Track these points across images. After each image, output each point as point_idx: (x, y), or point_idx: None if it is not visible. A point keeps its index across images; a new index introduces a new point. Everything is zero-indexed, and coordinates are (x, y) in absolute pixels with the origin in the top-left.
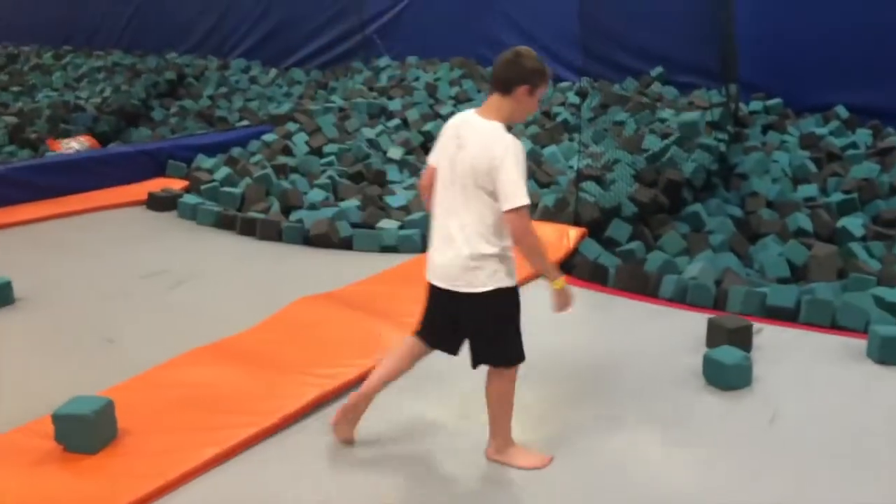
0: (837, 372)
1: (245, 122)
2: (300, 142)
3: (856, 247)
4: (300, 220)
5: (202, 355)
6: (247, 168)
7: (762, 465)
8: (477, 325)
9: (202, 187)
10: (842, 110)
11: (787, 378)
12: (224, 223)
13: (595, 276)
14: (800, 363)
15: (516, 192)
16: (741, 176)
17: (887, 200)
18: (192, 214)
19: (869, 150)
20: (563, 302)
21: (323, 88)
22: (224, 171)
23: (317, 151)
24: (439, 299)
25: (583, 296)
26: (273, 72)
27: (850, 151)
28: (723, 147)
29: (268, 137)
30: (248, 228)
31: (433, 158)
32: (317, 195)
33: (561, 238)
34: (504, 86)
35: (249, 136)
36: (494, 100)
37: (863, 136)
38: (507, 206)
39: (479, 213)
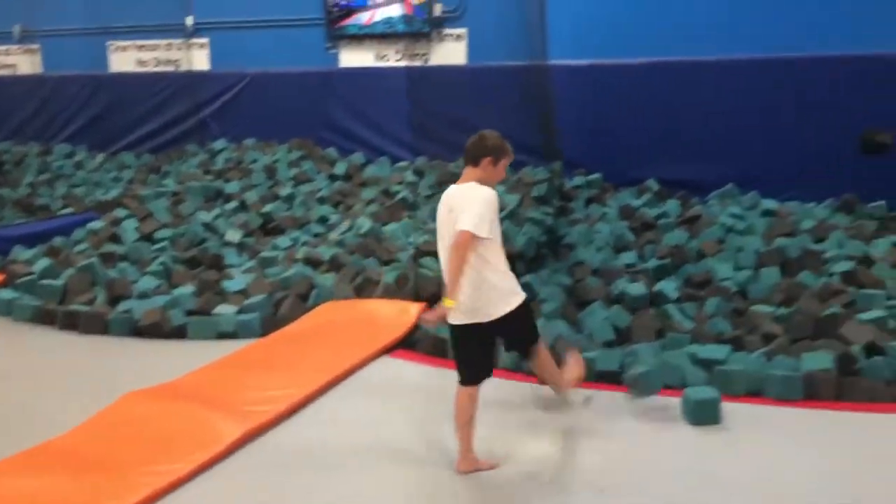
0: (656, 436)
1: (69, 210)
2: (130, 228)
3: (671, 308)
4: (128, 311)
5: (19, 462)
6: (70, 258)
7: None
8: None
9: (18, 281)
10: (653, 183)
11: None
12: (43, 318)
13: (437, 350)
14: (625, 427)
15: (470, 220)
16: (568, 246)
17: (696, 264)
18: (7, 310)
19: (678, 219)
20: (434, 317)
21: (155, 172)
22: (44, 263)
23: (148, 237)
24: None
25: (424, 372)
26: (101, 156)
27: (663, 220)
28: (550, 220)
29: (94, 225)
30: (70, 322)
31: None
32: (148, 283)
33: (403, 314)
34: (472, 159)
35: (74, 225)
36: (468, 171)
37: (672, 206)
38: (458, 227)
39: None
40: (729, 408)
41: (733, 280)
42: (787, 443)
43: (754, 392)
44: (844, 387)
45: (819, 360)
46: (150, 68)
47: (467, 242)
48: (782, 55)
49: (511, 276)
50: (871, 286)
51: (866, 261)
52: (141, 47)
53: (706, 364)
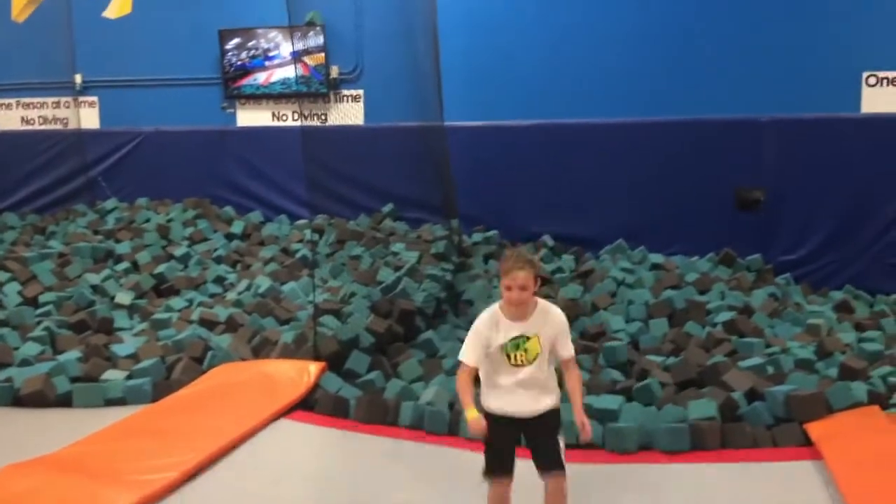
0: None
1: None
2: (11, 292)
3: None
4: (9, 379)
5: None
6: None
7: None
8: None
9: None
10: (548, 239)
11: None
12: None
13: (336, 411)
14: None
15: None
16: (468, 302)
17: (591, 317)
18: None
19: (573, 273)
20: (474, 428)
21: (41, 233)
22: None
23: (32, 301)
24: None
25: (325, 435)
26: None
27: (558, 275)
28: (449, 276)
29: None
30: None
31: None
32: (31, 349)
33: (301, 374)
34: None
35: None
36: None
37: (567, 261)
38: None
39: None
40: (623, 469)
41: (625, 331)
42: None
43: (646, 445)
44: (728, 434)
45: (704, 407)
46: (36, 126)
47: (460, 370)
48: (664, 119)
49: (501, 392)
50: (751, 334)
51: (746, 310)
52: (26, 105)
53: (601, 416)
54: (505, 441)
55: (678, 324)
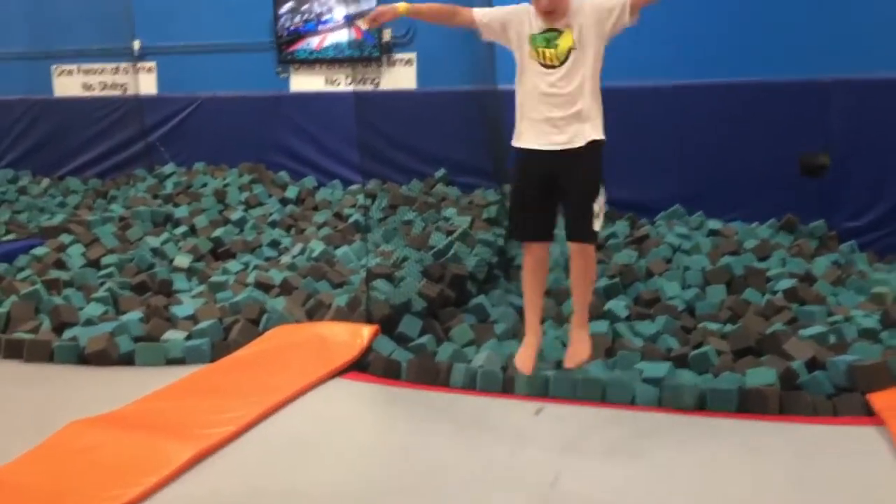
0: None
1: (11, 236)
2: (75, 254)
3: (621, 326)
4: (74, 338)
5: None
6: (12, 285)
7: None
8: None
9: None
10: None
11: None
12: None
13: (388, 372)
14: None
15: None
16: (519, 267)
17: (645, 282)
18: None
19: (627, 239)
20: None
21: (102, 198)
22: None
23: (94, 263)
24: None
25: (377, 392)
26: (45, 181)
27: (612, 241)
28: (501, 241)
29: (38, 251)
30: (14, 351)
31: None
32: (94, 310)
33: (354, 337)
34: None
35: (17, 251)
36: None
37: (621, 226)
38: None
39: None
40: (682, 419)
41: (681, 298)
42: (736, 452)
43: (702, 406)
44: (787, 401)
45: (763, 375)
46: (97, 93)
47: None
48: (723, 80)
49: (530, 114)
50: (812, 303)
51: (808, 278)
52: (87, 71)
53: (654, 381)
54: (534, 189)
55: (736, 291)
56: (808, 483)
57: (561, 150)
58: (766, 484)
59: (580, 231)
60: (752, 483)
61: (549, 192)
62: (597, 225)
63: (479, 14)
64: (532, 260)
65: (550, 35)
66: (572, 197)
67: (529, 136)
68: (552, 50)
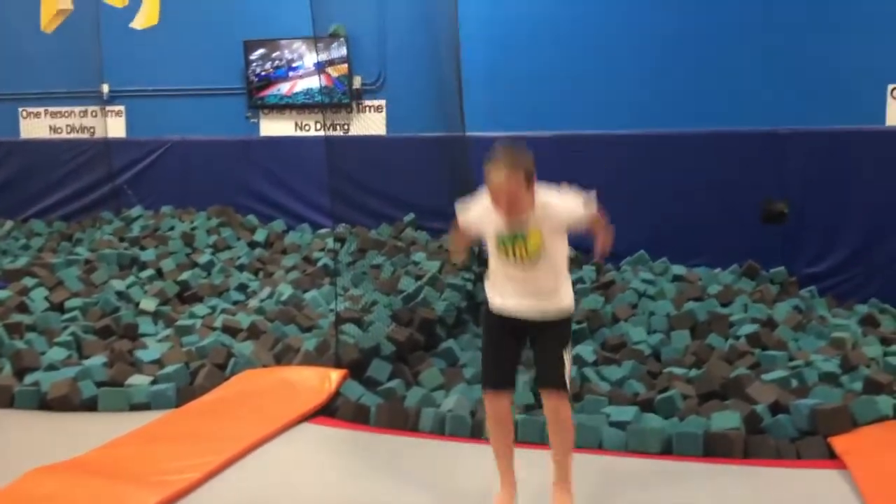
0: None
1: None
2: (38, 297)
3: (588, 371)
4: (36, 383)
5: None
6: None
7: None
8: None
9: None
10: (570, 250)
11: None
12: None
13: (357, 417)
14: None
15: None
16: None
17: (611, 328)
18: None
19: (594, 284)
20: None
21: (67, 240)
22: None
23: (58, 307)
24: None
25: (345, 438)
26: (9, 224)
27: (579, 286)
28: (470, 286)
29: (0, 294)
30: None
31: None
32: (57, 354)
33: (323, 382)
34: None
35: None
36: None
37: (588, 272)
38: None
39: None
40: (645, 464)
41: (646, 343)
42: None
43: (667, 451)
44: (752, 445)
45: (727, 419)
46: (64, 135)
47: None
48: (686, 130)
49: (503, 285)
50: (774, 347)
51: (769, 323)
52: (54, 114)
53: (620, 425)
54: (505, 345)
55: (700, 336)
56: None
57: (532, 321)
58: None
59: (552, 379)
60: None
61: (517, 345)
62: (567, 376)
63: (462, 221)
64: (495, 413)
65: (517, 235)
66: (542, 351)
67: (500, 304)
68: (521, 249)
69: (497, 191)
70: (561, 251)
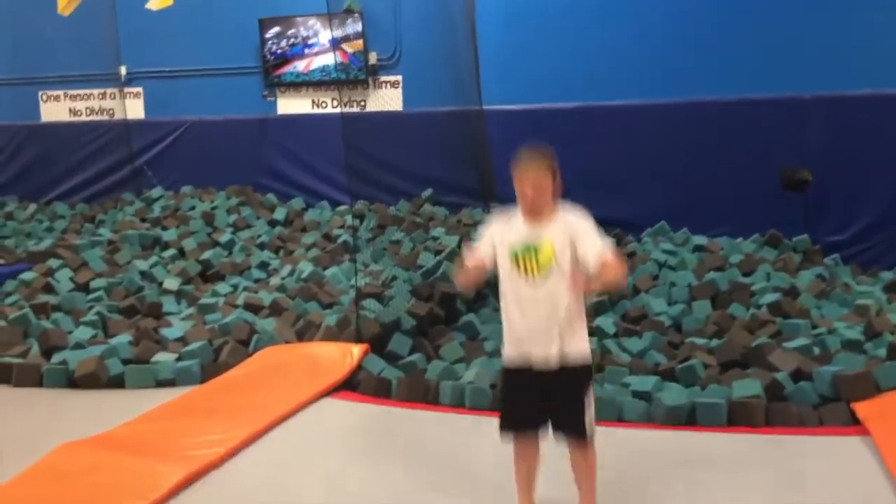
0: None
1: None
2: (64, 278)
3: (609, 343)
4: (64, 361)
5: None
6: (1, 310)
7: None
8: None
9: None
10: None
11: None
12: None
13: (379, 391)
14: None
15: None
16: None
17: (632, 299)
18: None
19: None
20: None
21: (90, 222)
22: None
23: (83, 287)
24: None
25: (367, 411)
26: (32, 207)
27: None
28: None
29: (26, 276)
30: (3, 375)
31: None
32: (83, 333)
33: (345, 356)
34: None
35: (4, 276)
36: None
37: (609, 242)
38: None
39: None
40: (667, 434)
41: (667, 314)
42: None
43: (690, 421)
44: (773, 412)
45: (749, 387)
46: (84, 118)
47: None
48: (707, 98)
49: (515, 329)
50: (797, 316)
51: (792, 292)
52: (73, 97)
53: (642, 396)
54: (522, 395)
55: (722, 306)
56: (797, 495)
57: (549, 371)
58: (755, 497)
59: (576, 430)
60: (741, 496)
61: (539, 394)
62: (590, 422)
63: (480, 251)
64: (522, 450)
65: (530, 244)
66: (564, 399)
67: (516, 354)
68: (532, 261)
69: (524, 177)
70: (573, 275)
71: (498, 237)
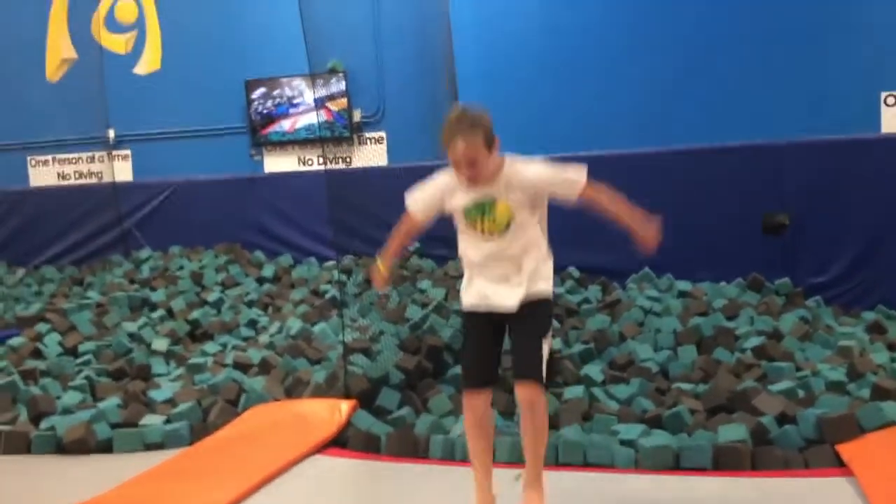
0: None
1: None
2: (52, 343)
3: (597, 391)
4: (52, 427)
5: None
6: None
7: None
8: None
9: None
10: (574, 271)
11: None
12: None
13: (368, 447)
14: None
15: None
16: None
17: (618, 346)
18: None
19: (599, 304)
20: (373, 277)
21: (79, 285)
22: None
23: (71, 351)
24: None
25: (357, 467)
26: (21, 271)
27: (585, 306)
28: None
29: (14, 342)
30: None
31: None
32: (72, 398)
33: (333, 413)
34: None
35: None
36: None
37: (593, 291)
38: None
39: None
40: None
41: (654, 360)
42: None
43: (675, 465)
44: (759, 456)
45: (734, 431)
46: (72, 181)
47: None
48: (685, 147)
49: (475, 276)
50: (781, 359)
51: (776, 335)
52: (62, 161)
53: (630, 444)
54: (483, 342)
55: (707, 351)
56: None
57: (507, 312)
58: None
59: (527, 370)
60: None
61: (497, 342)
62: (543, 367)
63: (412, 209)
64: (474, 413)
65: (484, 204)
66: (518, 340)
67: (477, 295)
68: (489, 221)
69: (456, 156)
70: (535, 223)
71: (448, 195)
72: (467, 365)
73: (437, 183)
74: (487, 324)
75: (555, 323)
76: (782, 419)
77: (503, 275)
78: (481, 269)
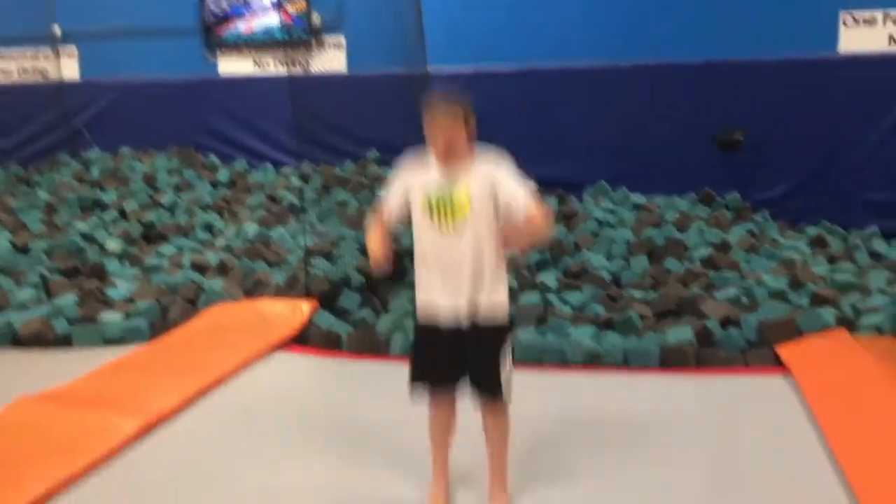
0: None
1: None
2: (2, 240)
3: (552, 296)
4: (8, 322)
5: None
6: None
7: None
8: None
9: None
10: (532, 182)
11: None
12: None
13: (329, 344)
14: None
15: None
16: None
17: (573, 256)
18: None
19: (557, 215)
20: (372, 258)
21: (26, 184)
22: None
23: (23, 250)
24: None
25: (318, 363)
26: None
27: None
28: None
29: None
30: None
31: None
32: (26, 294)
33: (294, 312)
34: None
35: None
36: None
37: (551, 203)
38: None
39: None
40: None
41: (607, 269)
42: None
43: (626, 363)
44: (703, 356)
45: (681, 333)
46: (16, 78)
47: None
48: (644, 62)
49: (425, 281)
50: (727, 269)
51: (723, 247)
52: (4, 57)
53: (581, 344)
54: (434, 350)
55: (658, 261)
56: (724, 430)
57: (461, 328)
58: (684, 435)
59: (487, 391)
60: (671, 434)
61: (453, 351)
62: (505, 383)
63: (386, 213)
64: (440, 415)
65: (445, 190)
66: (476, 358)
67: (429, 310)
68: (447, 209)
69: (434, 125)
70: (492, 231)
71: (410, 185)
72: (425, 368)
73: (402, 175)
74: (439, 338)
75: None
76: (726, 323)
77: (458, 283)
78: (439, 277)
